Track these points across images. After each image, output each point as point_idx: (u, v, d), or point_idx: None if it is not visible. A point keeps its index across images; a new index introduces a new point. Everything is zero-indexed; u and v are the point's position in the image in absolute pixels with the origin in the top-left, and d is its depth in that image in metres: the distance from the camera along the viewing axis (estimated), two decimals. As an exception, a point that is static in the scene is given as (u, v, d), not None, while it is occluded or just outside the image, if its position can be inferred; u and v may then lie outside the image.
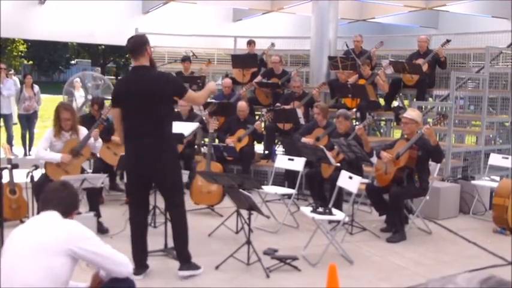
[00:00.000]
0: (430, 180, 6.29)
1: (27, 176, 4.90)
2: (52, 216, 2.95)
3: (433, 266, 5.23)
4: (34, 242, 2.81)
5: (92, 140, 5.90)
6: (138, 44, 4.51)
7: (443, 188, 7.08)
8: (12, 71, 17.80)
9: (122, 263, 2.99)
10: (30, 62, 42.93)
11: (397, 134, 9.88)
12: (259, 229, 6.18)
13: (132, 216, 4.72)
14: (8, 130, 10.90)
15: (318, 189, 6.93)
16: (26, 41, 37.52)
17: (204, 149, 8.95)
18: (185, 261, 4.70)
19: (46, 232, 2.85)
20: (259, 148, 9.44)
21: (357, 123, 8.24)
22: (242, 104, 8.58)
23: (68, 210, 3.02)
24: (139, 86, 4.44)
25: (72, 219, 3.06)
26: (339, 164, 6.54)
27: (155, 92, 4.43)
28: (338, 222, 5.43)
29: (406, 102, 10.21)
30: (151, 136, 4.43)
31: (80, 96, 12.66)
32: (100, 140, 6.12)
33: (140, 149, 4.47)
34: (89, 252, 2.87)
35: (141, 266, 4.61)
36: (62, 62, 43.18)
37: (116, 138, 7.30)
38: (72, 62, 46.07)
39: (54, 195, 3.02)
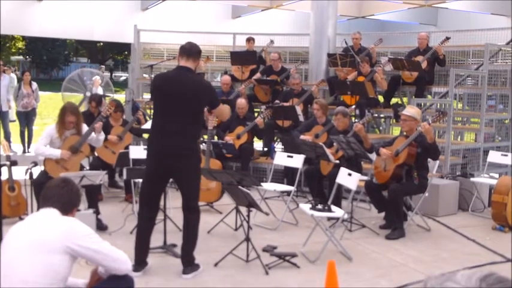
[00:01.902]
0: (429, 177, 6.30)
1: (26, 173, 4.90)
2: (51, 213, 2.94)
3: (432, 263, 5.24)
4: (32, 239, 2.81)
5: (93, 134, 5.89)
6: (196, 49, 4.66)
7: (442, 185, 7.08)
8: (10, 68, 17.79)
9: (120, 259, 2.99)
10: (27, 59, 42.81)
11: (396, 131, 9.87)
12: (258, 226, 6.19)
13: (142, 213, 4.71)
14: (5, 127, 10.88)
15: (317, 186, 6.94)
16: (24, 38, 37.44)
17: (203, 146, 8.95)
18: (189, 263, 4.71)
19: (44, 229, 2.85)
20: (258, 145, 9.44)
21: (356, 120, 8.25)
22: (241, 101, 8.57)
23: (68, 208, 3.01)
24: (181, 85, 4.53)
25: (72, 216, 3.06)
26: (338, 161, 6.54)
27: (194, 94, 4.53)
28: (337, 219, 5.43)
29: (405, 99, 10.21)
30: (180, 135, 4.49)
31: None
32: (102, 133, 6.11)
33: (164, 145, 4.51)
34: (88, 249, 2.87)
35: (140, 262, 4.61)
36: (61, 59, 43.10)
37: (112, 137, 7.29)
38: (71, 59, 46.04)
39: (54, 192, 3.01)
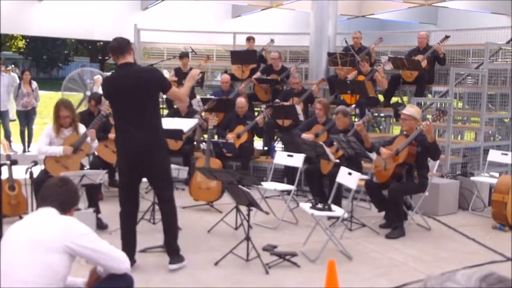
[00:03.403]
0: (429, 176, 6.30)
1: (26, 172, 4.90)
2: (49, 212, 2.94)
3: (432, 262, 5.24)
4: (31, 239, 2.81)
5: (88, 139, 5.90)
6: (124, 42, 4.69)
7: (443, 184, 7.08)
8: (10, 67, 17.79)
9: (119, 259, 2.99)
10: (27, 58, 42.68)
11: (396, 130, 9.87)
12: (258, 225, 6.19)
13: (123, 211, 4.79)
14: (5, 126, 10.88)
15: (317, 185, 6.94)
16: (24, 37, 37.40)
17: (203, 145, 8.95)
18: (174, 254, 4.79)
19: (43, 228, 2.84)
20: (258, 144, 9.44)
21: (356, 119, 8.24)
22: (241, 100, 8.56)
23: (66, 207, 3.00)
24: (127, 82, 4.58)
25: (71, 215, 3.05)
26: (338, 160, 6.54)
27: (142, 86, 4.57)
28: (337, 218, 5.43)
29: (405, 98, 10.20)
30: (140, 130, 4.54)
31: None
32: (96, 141, 6.14)
33: (130, 143, 4.57)
34: (86, 248, 2.87)
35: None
36: (61, 58, 43.06)
37: (113, 135, 7.29)
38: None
39: (51, 191, 3.00)
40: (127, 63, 4.63)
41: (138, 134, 4.53)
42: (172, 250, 4.80)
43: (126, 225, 4.77)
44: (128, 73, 4.62)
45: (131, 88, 4.55)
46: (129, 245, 4.66)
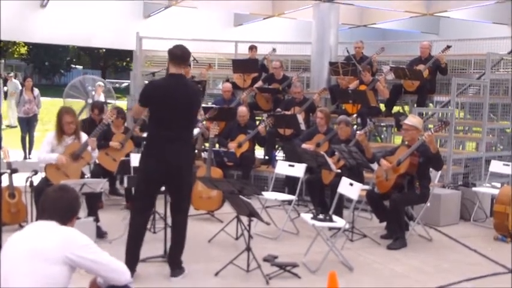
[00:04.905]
0: (430, 186, 6.27)
1: (26, 181, 4.89)
2: (49, 224, 2.91)
3: (433, 274, 5.21)
4: (31, 249, 2.78)
5: (89, 148, 5.89)
6: (187, 53, 4.70)
7: (444, 195, 7.06)
8: (12, 74, 17.83)
9: (120, 270, 2.97)
10: (29, 64, 42.76)
11: (397, 139, 9.87)
12: (259, 235, 6.16)
13: (136, 219, 4.71)
14: None
15: (319, 195, 6.91)
16: (26, 43, 37.47)
17: (204, 154, 8.94)
18: (177, 266, 4.77)
19: (43, 239, 2.82)
20: (259, 153, 9.42)
21: (358, 128, 8.23)
22: (242, 109, 8.56)
23: (66, 218, 2.97)
24: (180, 94, 4.61)
25: (72, 224, 3.03)
26: (339, 171, 6.52)
27: (192, 102, 4.70)
28: (338, 229, 5.41)
29: (406, 108, 10.20)
30: (179, 142, 4.61)
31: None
32: (96, 150, 6.13)
33: (167, 155, 4.56)
34: (87, 259, 2.84)
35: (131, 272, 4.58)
36: (63, 65, 43.17)
37: (114, 143, 7.29)
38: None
39: (49, 204, 2.96)
40: (181, 74, 4.67)
41: (175, 145, 4.57)
42: (176, 262, 4.77)
43: (137, 236, 4.68)
44: (181, 85, 4.65)
45: (183, 101, 4.59)
46: (133, 256, 4.62)
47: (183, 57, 4.66)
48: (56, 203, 2.97)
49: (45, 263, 2.75)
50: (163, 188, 4.89)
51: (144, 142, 4.92)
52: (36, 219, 3.01)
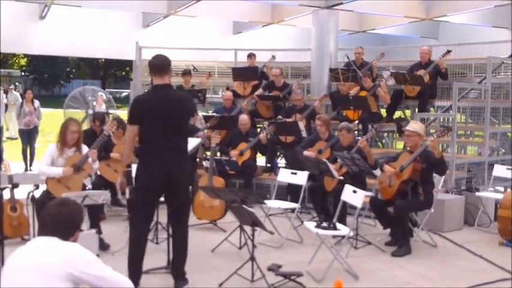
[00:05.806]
0: (434, 192, 6.24)
1: (28, 196, 4.86)
2: (51, 240, 2.87)
3: (439, 280, 5.17)
4: (34, 266, 2.75)
5: (90, 160, 5.87)
6: (167, 62, 4.66)
7: (448, 200, 7.02)
8: (12, 86, 17.84)
9: (124, 285, 2.93)
10: (29, 76, 42.80)
11: (399, 145, 9.83)
12: (262, 244, 6.12)
13: (137, 231, 4.66)
14: None
15: (321, 202, 6.87)
16: (26, 55, 37.53)
17: (205, 163, 8.91)
18: (181, 277, 4.73)
19: (45, 256, 2.78)
20: (261, 161, 9.39)
21: (360, 134, 8.20)
22: (244, 117, 8.54)
23: (67, 233, 2.92)
24: (168, 105, 4.56)
25: (75, 238, 2.98)
26: (342, 177, 6.49)
27: (182, 112, 4.67)
28: (342, 237, 5.37)
29: (408, 113, 10.17)
30: (178, 151, 4.60)
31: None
32: (97, 162, 6.11)
33: (168, 163, 4.53)
34: (90, 275, 2.81)
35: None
36: (62, 76, 43.23)
37: (115, 155, 7.26)
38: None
39: (49, 220, 2.92)
40: (167, 85, 4.62)
41: (172, 157, 4.54)
42: (180, 273, 4.73)
43: (138, 249, 4.63)
44: (168, 95, 4.60)
45: (172, 112, 4.55)
46: (136, 269, 4.58)
47: (162, 66, 4.61)
48: (56, 219, 2.92)
49: (48, 279, 2.71)
50: (162, 199, 4.85)
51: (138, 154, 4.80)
52: (38, 235, 2.97)
